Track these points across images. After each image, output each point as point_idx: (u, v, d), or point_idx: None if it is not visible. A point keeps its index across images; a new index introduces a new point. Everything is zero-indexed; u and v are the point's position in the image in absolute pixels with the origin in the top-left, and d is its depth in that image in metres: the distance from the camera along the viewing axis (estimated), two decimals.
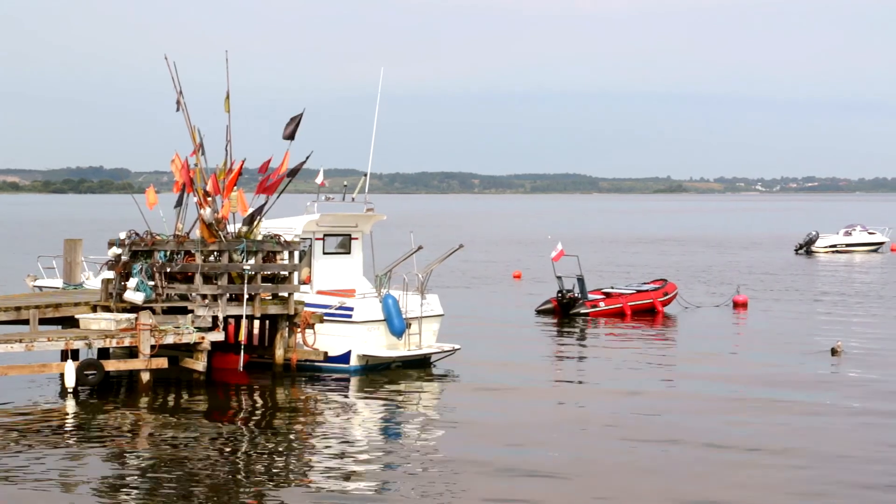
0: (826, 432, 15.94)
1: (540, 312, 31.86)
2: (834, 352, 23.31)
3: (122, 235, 19.95)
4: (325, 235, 22.44)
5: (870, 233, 68.29)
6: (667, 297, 33.01)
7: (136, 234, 19.90)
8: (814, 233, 66.10)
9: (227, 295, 19.43)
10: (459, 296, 35.08)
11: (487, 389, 20.04)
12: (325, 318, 20.43)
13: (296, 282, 20.54)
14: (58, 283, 24.70)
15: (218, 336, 19.16)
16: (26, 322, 19.14)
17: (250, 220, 20.49)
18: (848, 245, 65.72)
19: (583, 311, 31.12)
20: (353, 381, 20.18)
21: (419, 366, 21.55)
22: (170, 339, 18.54)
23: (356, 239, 23.06)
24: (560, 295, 31.43)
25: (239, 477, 13.30)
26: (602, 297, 32.32)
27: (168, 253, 19.61)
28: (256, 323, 20.50)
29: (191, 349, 18.97)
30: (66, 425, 16.47)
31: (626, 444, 15.06)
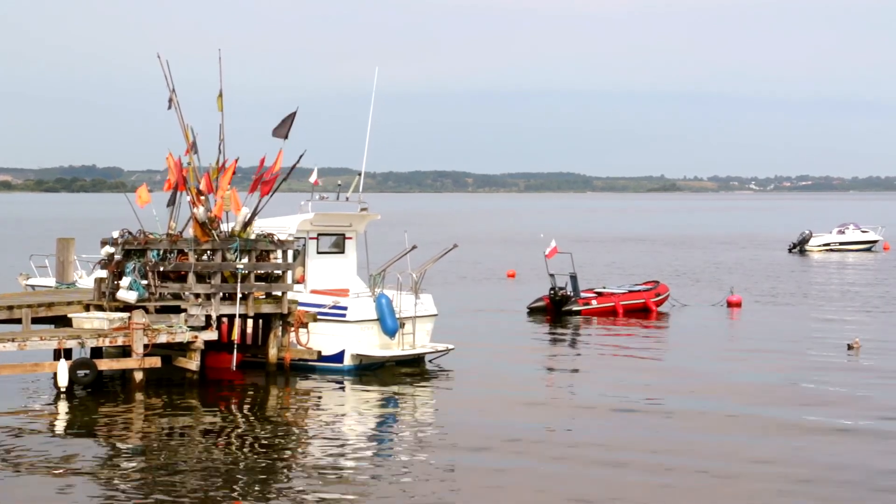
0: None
1: (532, 310, 31.87)
2: (850, 347, 23.33)
3: (115, 234, 19.92)
4: (319, 234, 22.43)
5: (863, 231, 68.51)
6: (659, 297, 33.05)
7: (129, 233, 19.86)
8: (807, 231, 66.29)
9: (221, 294, 19.42)
10: (453, 295, 35.07)
11: (480, 389, 20.06)
12: (318, 317, 20.42)
13: (289, 281, 20.53)
14: (50, 282, 24.64)
15: (211, 335, 19.14)
16: (19, 321, 19.09)
17: (247, 223, 20.45)
18: (841, 244, 65.93)
19: (575, 308, 31.14)
20: (347, 381, 20.17)
21: (413, 365, 21.55)
22: (163, 339, 18.51)
23: (350, 238, 23.05)
24: (552, 292, 31.45)
25: (232, 477, 13.27)
26: (594, 295, 32.36)
27: (161, 252, 19.59)
28: (250, 322, 20.49)
29: (184, 348, 18.95)
30: (59, 425, 16.44)
31: (614, 453, 14.94)
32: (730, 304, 33.61)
